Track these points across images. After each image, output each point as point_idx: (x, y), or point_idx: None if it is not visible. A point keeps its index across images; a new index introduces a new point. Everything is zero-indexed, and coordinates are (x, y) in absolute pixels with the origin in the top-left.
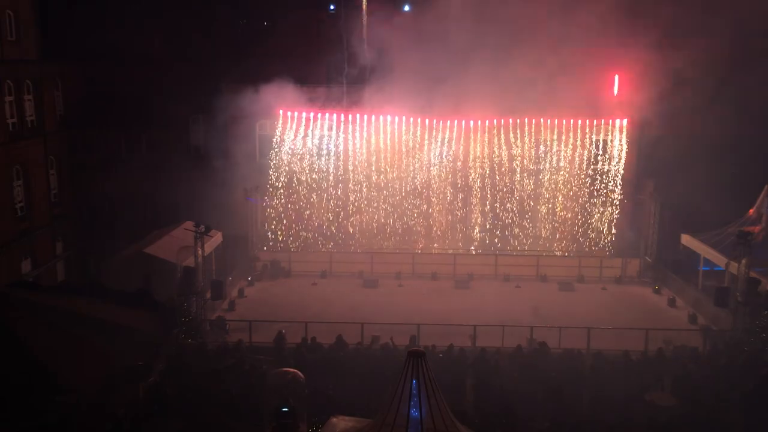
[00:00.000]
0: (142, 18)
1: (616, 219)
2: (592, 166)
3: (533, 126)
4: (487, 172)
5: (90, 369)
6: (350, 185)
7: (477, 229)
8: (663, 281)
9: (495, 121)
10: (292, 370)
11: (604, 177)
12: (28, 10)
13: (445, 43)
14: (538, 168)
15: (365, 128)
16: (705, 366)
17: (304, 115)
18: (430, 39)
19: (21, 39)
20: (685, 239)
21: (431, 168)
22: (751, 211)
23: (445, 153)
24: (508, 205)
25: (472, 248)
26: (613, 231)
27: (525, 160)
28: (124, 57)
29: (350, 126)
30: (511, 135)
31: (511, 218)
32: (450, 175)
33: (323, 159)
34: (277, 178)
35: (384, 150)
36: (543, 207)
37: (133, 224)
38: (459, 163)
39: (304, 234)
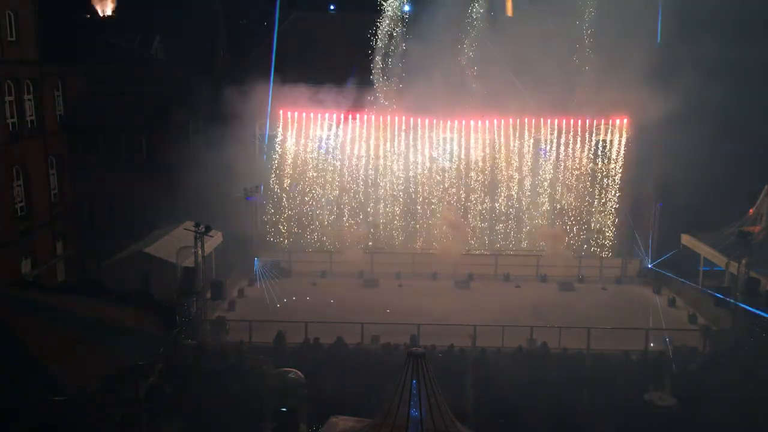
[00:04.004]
0: (142, 18)
1: (616, 219)
2: (591, 166)
3: (533, 126)
4: (488, 171)
5: (90, 369)
6: (350, 185)
7: (477, 229)
8: (663, 281)
9: (495, 120)
10: (292, 370)
11: (603, 177)
12: (28, 11)
13: (445, 42)
14: (538, 168)
15: (365, 128)
16: (705, 366)
17: (304, 115)
18: (431, 39)
19: (21, 39)
20: (685, 239)
21: (432, 168)
22: (751, 211)
23: (447, 152)
24: (507, 202)
25: (471, 244)
26: (613, 230)
27: (525, 160)
28: (123, 57)
29: (350, 126)
30: (511, 135)
31: (511, 218)
32: (452, 174)
33: (323, 159)
34: (278, 178)
35: (384, 150)
36: (543, 207)
37: (133, 224)
38: (462, 158)
39: (306, 233)
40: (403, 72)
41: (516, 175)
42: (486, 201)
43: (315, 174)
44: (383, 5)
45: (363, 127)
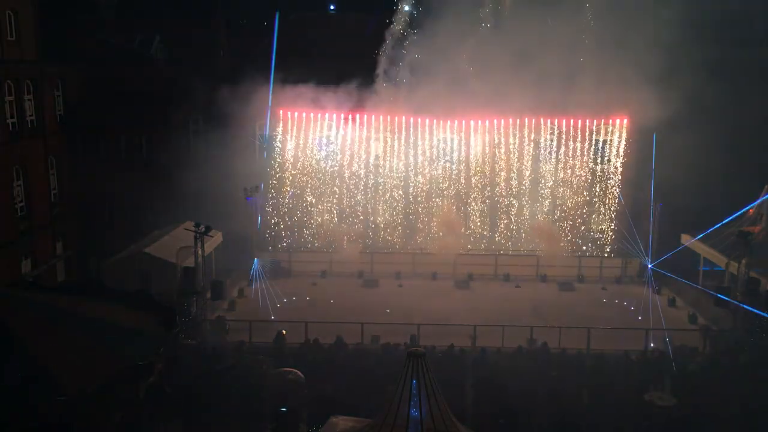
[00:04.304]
0: (142, 18)
1: (616, 219)
2: (592, 166)
3: (533, 126)
4: (487, 171)
5: (90, 369)
6: (352, 185)
7: (476, 228)
8: (663, 281)
9: (495, 121)
10: (292, 370)
11: (603, 177)
12: (28, 10)
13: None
14: (538, 168)
15: (365, 128)
16: (705, 366)
17: (304, 115)
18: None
19: (21, 39)
20: (685, 239)
21: (432, 168)
22: (751, 211)
23: (448, 152)
24: (506, 202)
25: (470, 246)
26: (613, 230)
27: (525, 160)
28: (123, 57)
29: (350, 126)
30: (511, 135)
31: (510, 218)
32: (451, 175)
33: (324, 159)
34: (279, 178)
35: (385, 150)
36: (542, 207)
37: (133, 224)
38: (462, 159)
39: (306, 233)
40: (403, 73)
41: (515, 177)
42: (486, 201)
43: (314, 184)
44: (396, 7)
45: (363, 128)
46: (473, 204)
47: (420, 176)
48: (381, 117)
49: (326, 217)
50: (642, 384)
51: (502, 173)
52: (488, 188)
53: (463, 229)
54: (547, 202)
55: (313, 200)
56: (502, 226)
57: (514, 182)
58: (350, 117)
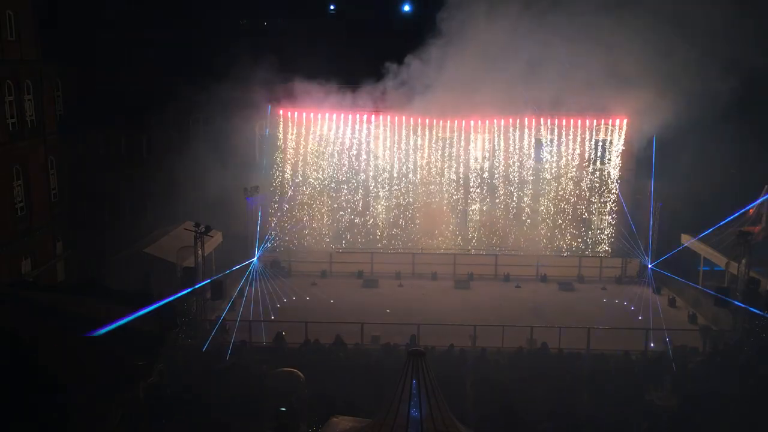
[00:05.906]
0: (142, 18)
1: (615, 219)
2: (591, 166)
3: (533, 125)
4: (486, 171)
5: (90, 369)
6: (352, 185)
7: (475, 227)
8: (663, 281)
9: (495, 120)
10: (292, 370)
11: (603, 177)
12: (28, 10)
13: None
14: (538, 167)
15: (365, 127)
16: (705, 366)
17: (304, 115)
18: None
19: (21, 39)
20: (685, 239)
21: (432, 167)
22: (751, 211)
23: (447, 152)
24: (508, 203)
25: (470, 248)
26: (612, 230)
27: (524, 160)
28: (123, 57)
29: (350, 125)
30: (511, 134)
31: (510, 218)
32: (451, 174)
33: (323, 158)
34: (279, 178)
35: (384, 149)
36: (543, 207)
37: (133, 224)
38: (461, 161)
39: (306, 233)
40: (405, 73)
41: (515, 179)
42: (486, 200)
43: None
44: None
45: (363, 127)
46: (472, 204)
47: (420, 176)
48: (381, 117)
49: (326, 218)
50: (642, 384)
51: (501, 171)
52: (487, 188)
53: (460, 228)
54: (546, 200)
55: (312, 201)
56: (499, 226)
57: (513, 186)
58: (350, 117)
